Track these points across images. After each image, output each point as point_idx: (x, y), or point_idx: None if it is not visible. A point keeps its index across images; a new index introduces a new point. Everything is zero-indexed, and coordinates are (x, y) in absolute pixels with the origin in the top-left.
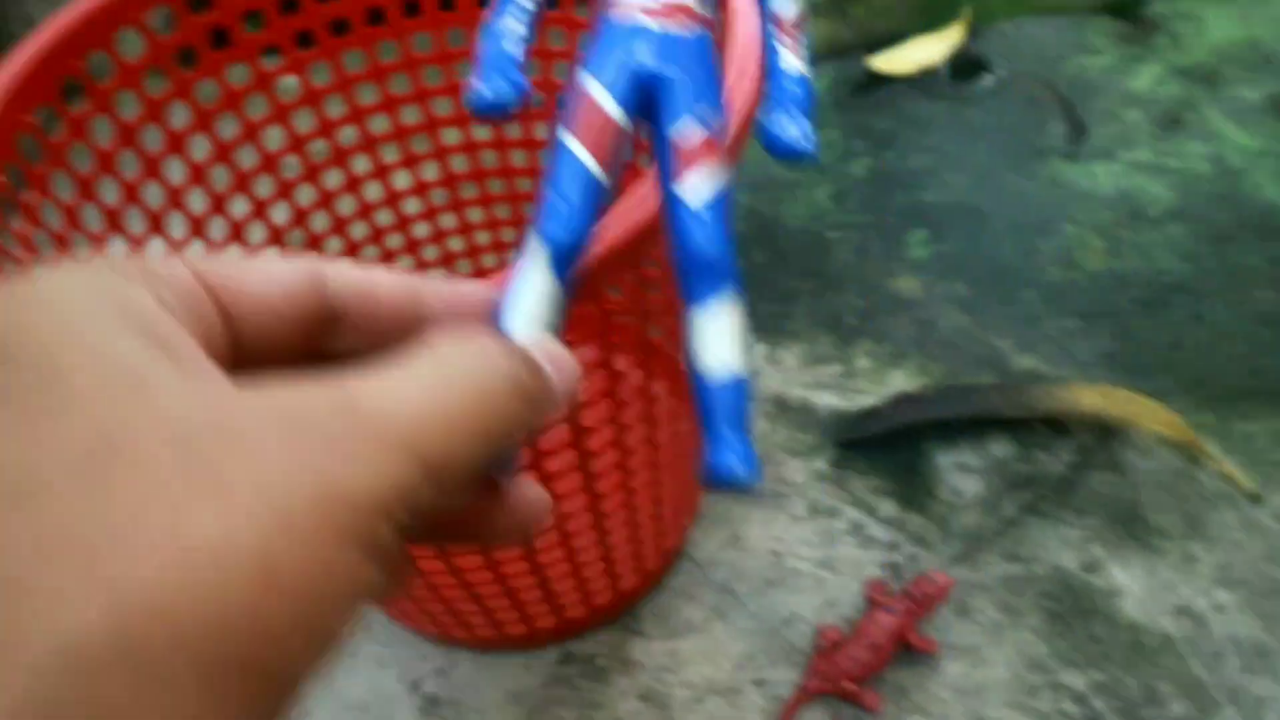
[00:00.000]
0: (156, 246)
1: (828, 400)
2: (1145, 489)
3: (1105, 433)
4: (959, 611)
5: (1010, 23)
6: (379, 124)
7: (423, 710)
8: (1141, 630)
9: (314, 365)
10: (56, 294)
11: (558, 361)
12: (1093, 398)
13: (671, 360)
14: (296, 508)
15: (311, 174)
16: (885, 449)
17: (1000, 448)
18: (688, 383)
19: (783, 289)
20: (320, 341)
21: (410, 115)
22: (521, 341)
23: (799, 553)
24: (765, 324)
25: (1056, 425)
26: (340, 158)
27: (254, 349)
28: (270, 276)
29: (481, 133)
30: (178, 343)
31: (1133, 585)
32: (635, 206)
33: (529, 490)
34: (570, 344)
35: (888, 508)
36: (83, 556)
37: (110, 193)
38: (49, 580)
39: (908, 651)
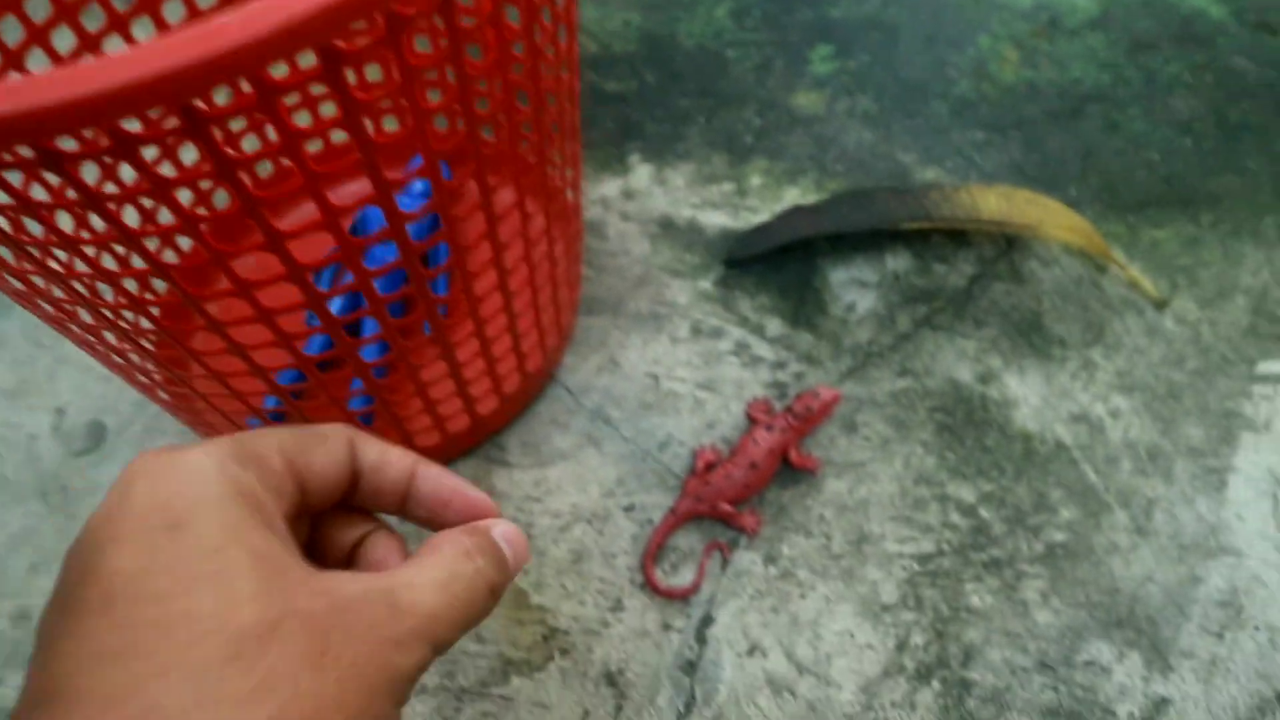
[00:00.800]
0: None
1: (716, 219)
2: (1047, 298)
3: (1007, 244)
4: (846, 428)
5: None
6: None
7: None
8: (1035, 439)
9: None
10: (197, 475)
11: (515, 544)
12: (993, 200)
13: (547, 184)
14: (374, 678)
15: None
16: (775, 266)
17: (897, 261)
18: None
19: (675, 109)
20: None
21: None
22: (494, 537)
23: (678, 375)
24: (655, 145)
25: (958, 238)
26: None
27: (311, 504)
28: (330, 454)
29: None
30: (276, 522)
31: (1029, 395)
32: None
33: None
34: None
35: (776, 326)
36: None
37: None
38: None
39: (790, 470)
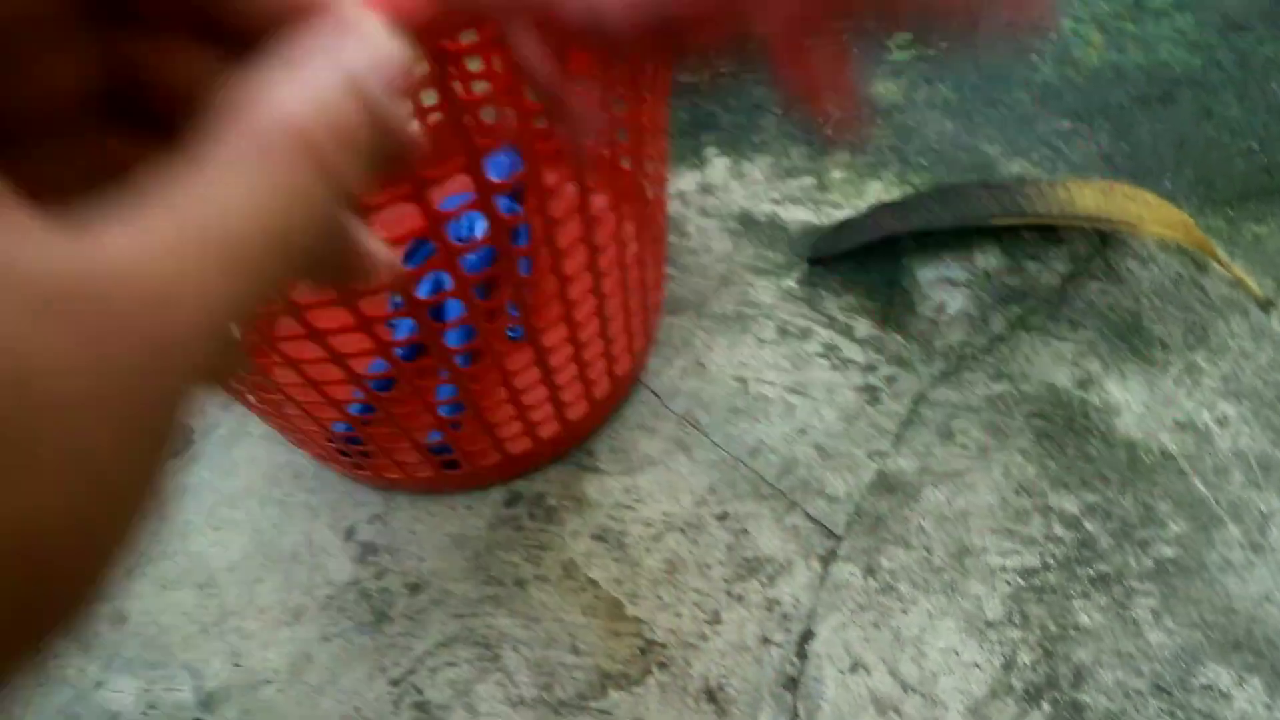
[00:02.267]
0: None
1: (798, 215)
2: (1146, 298)
3: (1101, 240)
4: (942, 435)
5: None
6: None
7: (357, 559)
8: (1139, 448)
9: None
10: None
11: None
12: (1090, 195)
13: (640, 191)
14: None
15: None
16: (861, 265)
17: (988, 259)
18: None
19: (750, 98)
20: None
21: None
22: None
23: (767, 378)
24: (730, 136)
25: (1048, 233)
26: None
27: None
28: None
29: None
30: None
31: (1131, 401)
32: None
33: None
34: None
35: (864, 327)
36: None
37: None
38: None
39: (886, 478)
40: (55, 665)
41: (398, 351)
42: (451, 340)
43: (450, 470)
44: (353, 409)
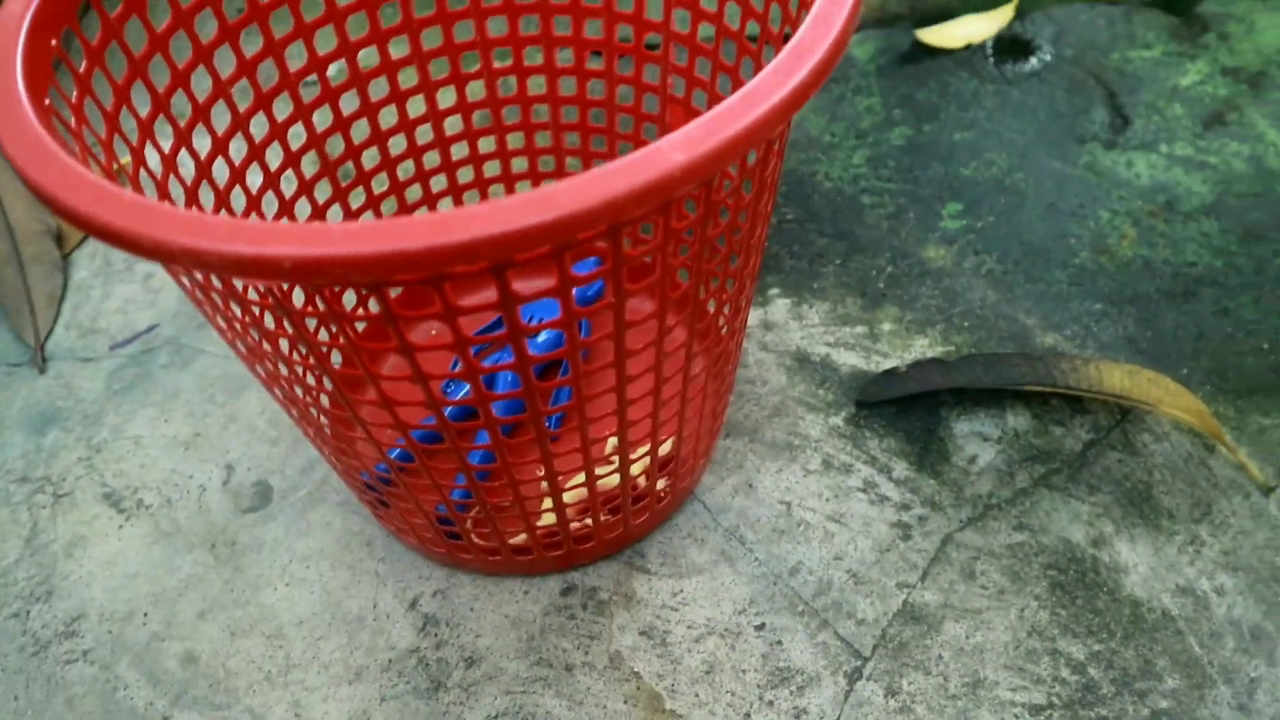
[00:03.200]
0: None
1: (849, 359)
2: (1158, 471)
3: (1122, 414)
4: (965, 574)
5: (1061, 8)
6: (431, 38)
7: (418, 628)
8: (1143, 606)
9: None
10: None
11: None
12: (1118, 376)
13: (711, 320)
14: None
15: (356, 86)
16: (903, 412)
17: (1018, 420)
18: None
19: (813, 248)
20: None
21: (449, 35)
22: None
23: (809, 505)
24: (793, 280)
25: (1074, 403)
26: (379, 77)
27: None
28: None
29: (535, 58)
30: None
31: (1138, 562)
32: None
33: None
34: (631, 292)
35: (901, 469)
36: None
37: (143, 104)
38: None
39: (911, 608)
40: (123, 699)
41: (447, 411)
42: (498, 409)
43: (519, 556)
44: (393, 453)
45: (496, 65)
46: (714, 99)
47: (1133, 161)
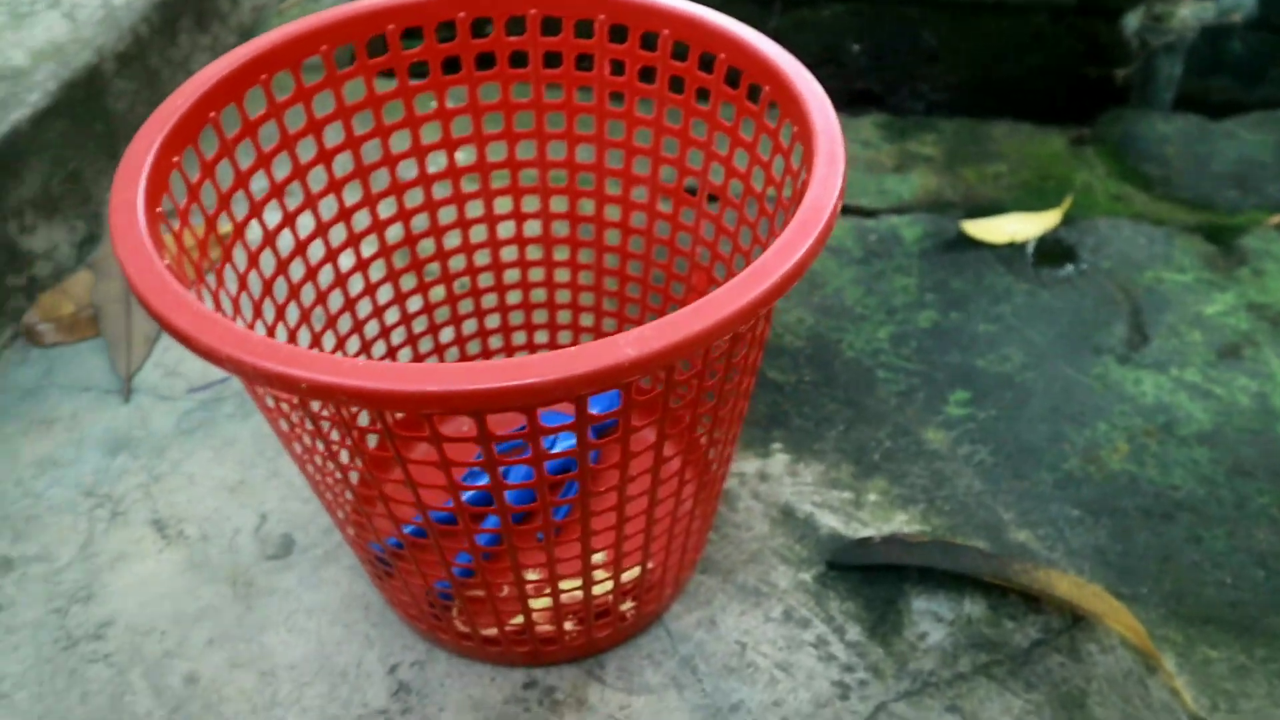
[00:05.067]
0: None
1: (830, 521)
2: (1096, 681)
3: (1074, 620)
4: None
5: (1108, 220)
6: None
7: (393, 692)
8: None
9: None
10: None
11: None
12: (1065, 585)
13: (704, 455)
14: None
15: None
16: (869, 580)
17: (974, 607)
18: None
19: (822, 411)
20: None
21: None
22: None
23: (763, 650)
24: (796, 438)
25: (1032, 601)
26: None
27: None
28: None
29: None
30: None
31: None
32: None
33: None
34: (635, 427)
35: (855, 632)
36: None
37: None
38: None
39: None
40: (128, 703)
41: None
42: (510, 498)
43: (489, 645)
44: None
45: (554, 210)
46: (730, 273)
47: (1141, 379)
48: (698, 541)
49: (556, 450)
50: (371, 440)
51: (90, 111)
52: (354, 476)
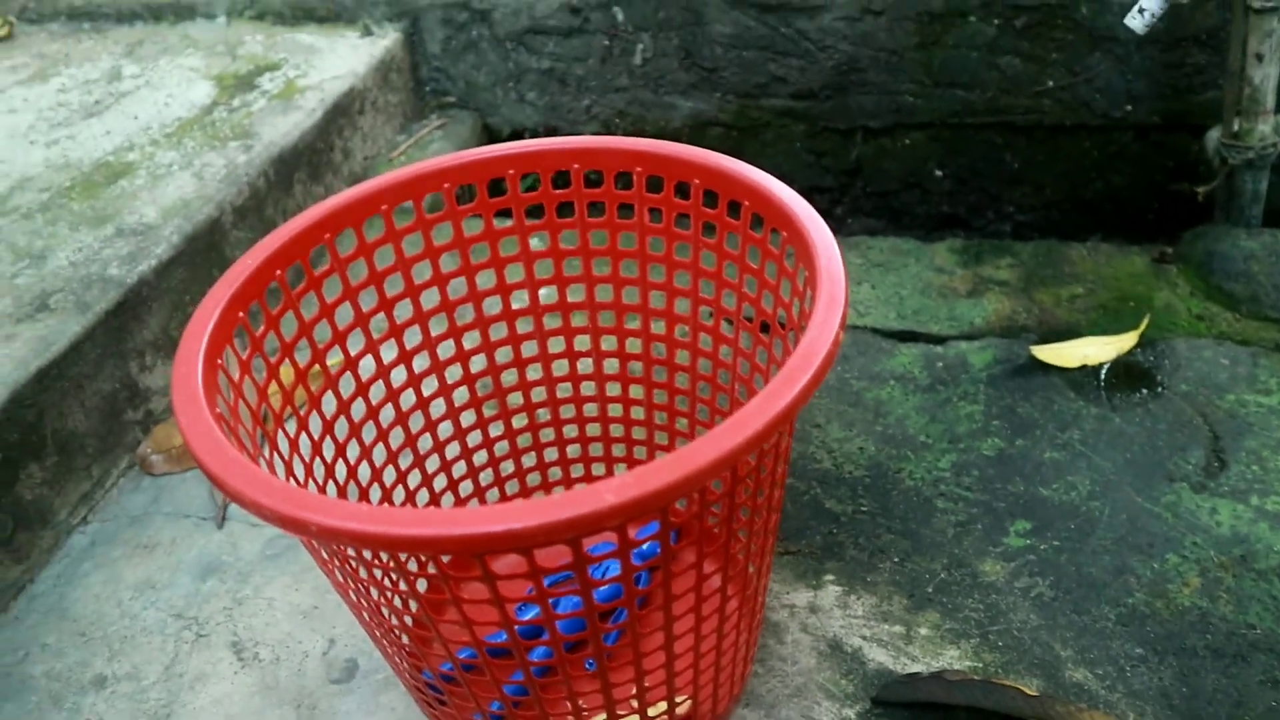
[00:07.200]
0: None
1: (879, 656)
2: None
3: None
4: None
5: (1188, 341)
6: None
7: None
8: None
9: None
10: None
11: None
12: None
13: (746, 572)
14: None
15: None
16: (916, 718)
17: None
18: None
19: (877, 542)
20: None
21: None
22: None
23: None
24: (849, 570)
25: None
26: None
27: None
28: None
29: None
30: None
31: None
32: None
33: None
34: (677, 552)
35: None
36: None
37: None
38: None
39: None
40: None
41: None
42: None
43: None
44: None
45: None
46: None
47: (1218, 508)
48: (741, 673)
49: (609, 577)
50: (421, 584)
51: (209, 259)
52: (408, 618)
